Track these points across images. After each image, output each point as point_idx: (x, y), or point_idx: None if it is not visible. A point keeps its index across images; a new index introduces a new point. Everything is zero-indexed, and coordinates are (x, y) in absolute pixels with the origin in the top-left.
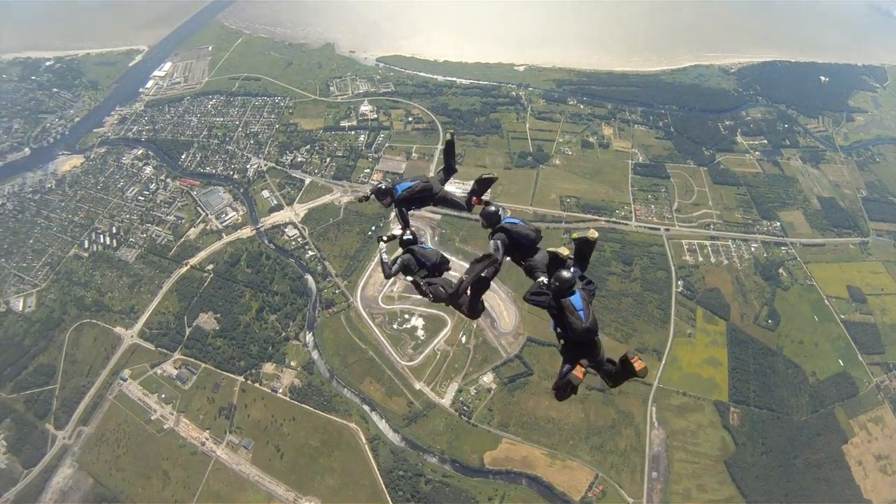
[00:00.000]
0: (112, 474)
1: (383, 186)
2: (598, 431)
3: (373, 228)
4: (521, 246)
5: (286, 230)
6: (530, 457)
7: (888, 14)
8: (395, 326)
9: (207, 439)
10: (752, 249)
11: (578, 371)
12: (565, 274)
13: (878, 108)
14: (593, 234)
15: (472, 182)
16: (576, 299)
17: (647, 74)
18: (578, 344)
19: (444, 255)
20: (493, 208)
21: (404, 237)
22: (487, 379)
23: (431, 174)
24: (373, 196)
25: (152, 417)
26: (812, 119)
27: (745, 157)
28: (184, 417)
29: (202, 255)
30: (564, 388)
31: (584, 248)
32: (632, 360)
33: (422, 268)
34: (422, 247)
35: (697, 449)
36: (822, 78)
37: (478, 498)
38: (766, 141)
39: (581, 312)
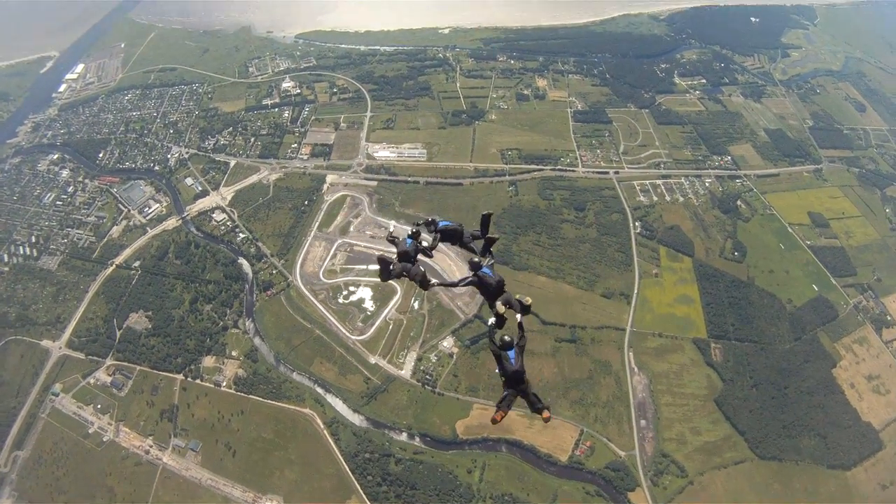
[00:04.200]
0: (54, 498)
1: (429, 219)
2: (576, 384)
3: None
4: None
5: (214, 215)
6: (506, 420)
7: None
8: (340, 301)
9: (151, 447)
10: (707, 184)
11: (498, 415)
12: (506, 338)
13: (812, 44)
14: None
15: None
16: (511, 353)
17: (575, 27)
18: (512, 380)
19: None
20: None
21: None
22: (447, 344)
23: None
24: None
25: (90, 431)
26: (747, 57)
27: (685, 96)
28: (123, 426)
29: (127, 252)
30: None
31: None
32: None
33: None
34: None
35: (683, 390)
36: (753, 19)
37: (455, 472)
38: (704, 80)
39: (512, 361)
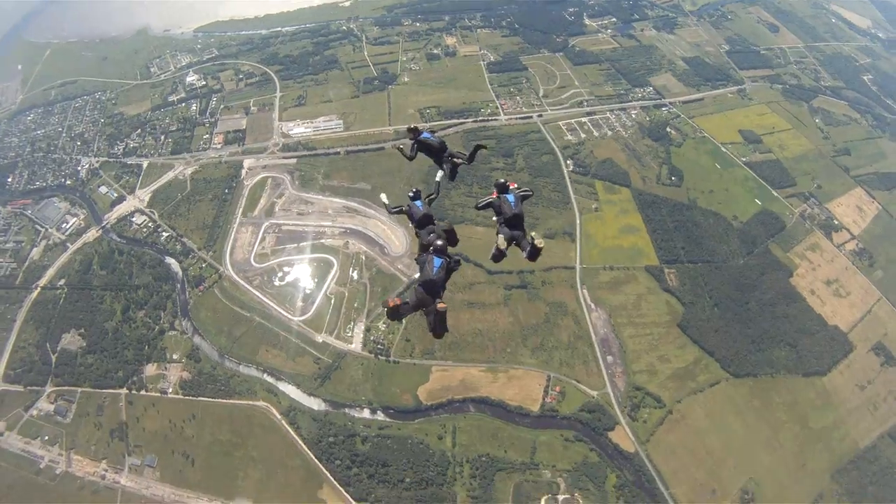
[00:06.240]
0: None
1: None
2: (534, 330)
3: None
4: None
5: (134, 219)
6: (468, 378)
7: None
8: (276, 283)
9: (107, 470)
10: (633, 116)
11: (501, 241)
12: (500, 180)
13: None
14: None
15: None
16: (510, 197)
17: None
18: (510, 222)
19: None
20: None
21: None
22: None
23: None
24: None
25: (41, 466)
26: None
27: (598, 36)
28: (75, 454)
29: (51, 272)
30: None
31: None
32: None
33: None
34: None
35: (645, 320)
36: None
37: (426, 441)
38: (614, 19)
39: (513, 205)
